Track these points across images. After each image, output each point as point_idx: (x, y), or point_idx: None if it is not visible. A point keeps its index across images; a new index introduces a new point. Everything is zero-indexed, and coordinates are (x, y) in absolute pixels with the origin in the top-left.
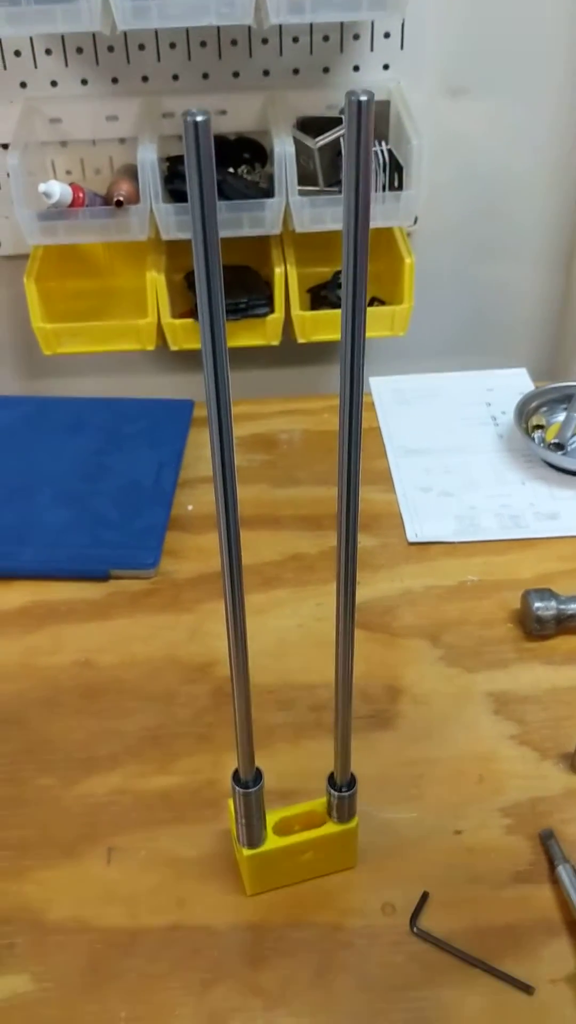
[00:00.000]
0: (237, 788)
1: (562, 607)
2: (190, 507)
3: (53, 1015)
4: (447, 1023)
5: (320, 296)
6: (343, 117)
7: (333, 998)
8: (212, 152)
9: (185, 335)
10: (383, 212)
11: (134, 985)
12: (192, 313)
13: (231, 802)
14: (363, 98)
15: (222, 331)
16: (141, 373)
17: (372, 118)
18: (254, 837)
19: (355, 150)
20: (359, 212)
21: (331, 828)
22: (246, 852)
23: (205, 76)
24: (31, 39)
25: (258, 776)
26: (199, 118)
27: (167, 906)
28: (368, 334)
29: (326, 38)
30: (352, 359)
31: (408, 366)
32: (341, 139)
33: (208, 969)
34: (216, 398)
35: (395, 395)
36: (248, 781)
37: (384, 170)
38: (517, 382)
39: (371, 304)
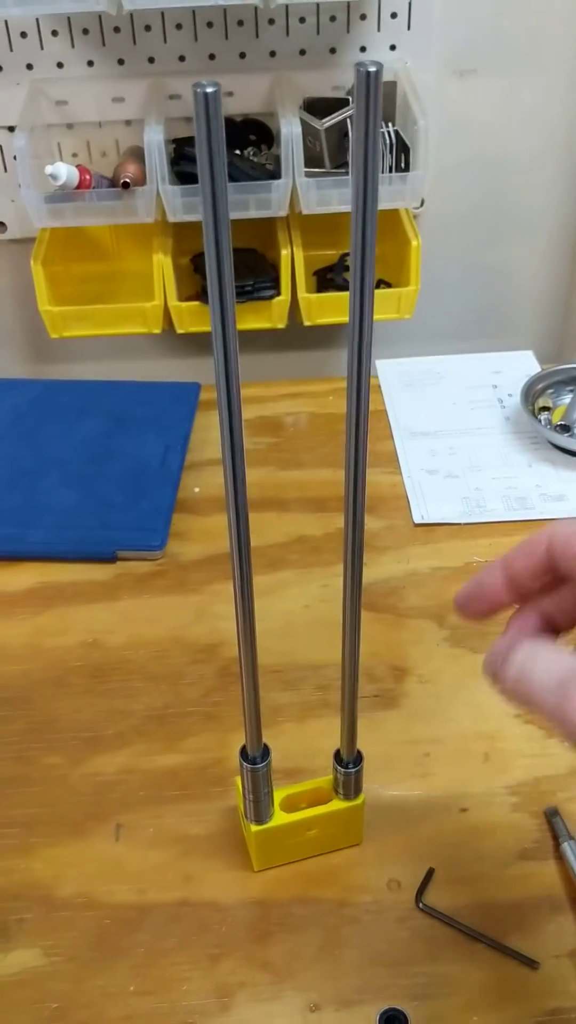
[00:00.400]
0: (245, 764)
1: None
2: (197, 489)
3: (62, 989)
4: (452, 998)
5: (326, 279)
6: (350, 98)
7: (339, 973)
8: (222, 125)
9: (191, 318)
10: (389, 193)
11: (142, 960)
12: (198, 296)
13: (239, 779)
14: (372, 69)
15: (231, 293)
16: (147, 357)
17: (381, 89)
18: (261, 813)
19: (364, 122)
20: (368, 182)
21: (337, 805)
22: (253, 828)
23: (212, 57)
24: (37, 20)
25: (266, 752)
26: (209, 89)
27: (175, 882)
28: (374, 316)
29: (333, 18)
30: (360, 331)
31: (414, 349)
32: (348, 120)
33: (215, 944)
34: (225, 371)
35: (401, 378)
36: (256, 757)
37: (391, 151)
38: (523, 364)
39: (377, 287)
